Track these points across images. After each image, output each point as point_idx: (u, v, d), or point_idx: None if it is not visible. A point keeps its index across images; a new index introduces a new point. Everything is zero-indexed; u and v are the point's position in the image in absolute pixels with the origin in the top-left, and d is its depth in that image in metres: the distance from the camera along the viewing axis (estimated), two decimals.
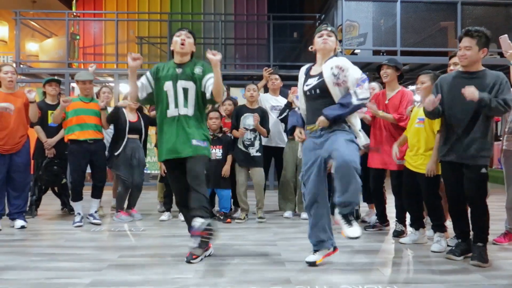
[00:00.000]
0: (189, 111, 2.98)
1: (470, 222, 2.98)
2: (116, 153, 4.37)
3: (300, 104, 2.95)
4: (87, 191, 4.29)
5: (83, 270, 2.74)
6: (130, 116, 4.51)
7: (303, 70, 2.97)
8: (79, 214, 4.21)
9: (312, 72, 2.86)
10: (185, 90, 2.96)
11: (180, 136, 2.95)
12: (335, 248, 2.90)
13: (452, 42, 7.47)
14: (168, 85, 2.97)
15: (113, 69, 7.94)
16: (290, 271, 2.74)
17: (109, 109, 4.70)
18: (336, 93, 2.72)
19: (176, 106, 2.96)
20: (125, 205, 4.55)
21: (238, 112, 4.46)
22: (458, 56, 2.91)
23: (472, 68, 2.88)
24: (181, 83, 2.96)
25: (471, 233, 2.98)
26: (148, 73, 3.08)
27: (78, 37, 8.18)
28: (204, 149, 3.01)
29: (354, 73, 2.69)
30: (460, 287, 2.45)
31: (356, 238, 2.57)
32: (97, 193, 4.38)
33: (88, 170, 4.41)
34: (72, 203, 4.33)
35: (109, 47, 9.69)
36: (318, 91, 2.75)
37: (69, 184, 4.26)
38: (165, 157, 3.02)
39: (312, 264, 2.83)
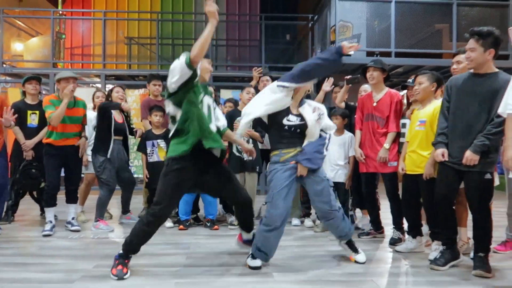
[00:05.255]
0: None
1: (456, 228, 2.89)
2: (107, 157, 4.07)
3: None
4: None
5: (52, 282, 2.51)
6: (117, 116, 4.26)
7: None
8: (50, 222, 3.94)
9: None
10: None
11: None
12: None
13: (446, 44, 7.38)
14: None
15: (100, 70, 7.70)
16: (279, 282, 2.54)
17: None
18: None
19: None
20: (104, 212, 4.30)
21: (232, 116, 4.21)
22: (466, 58, 2.77)
23: (481, 70, 2.72)
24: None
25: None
26: None
27: (63, 36, 7.92)
28: None
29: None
30: None
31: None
32: (72, 198, 4.10)
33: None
34: (45, 209, 4.06)
35: (97, 47, 9.44)
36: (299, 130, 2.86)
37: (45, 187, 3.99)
38: None
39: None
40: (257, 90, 5.01)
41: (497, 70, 2.74)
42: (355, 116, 3.96)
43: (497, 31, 2.67)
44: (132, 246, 2.65)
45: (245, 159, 4.18)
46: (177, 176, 2.60)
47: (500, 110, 2.51)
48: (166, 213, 2.68)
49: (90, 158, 4.27)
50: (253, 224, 3.14)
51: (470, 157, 2.60)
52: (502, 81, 2.63)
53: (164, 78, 4.77)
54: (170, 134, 2.70)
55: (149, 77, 4.82)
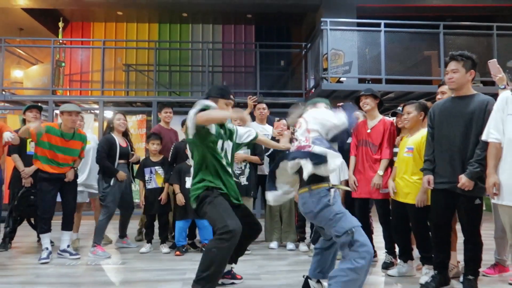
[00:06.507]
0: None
1: (450, 252, 2.94)
2: (111, 184, 4.16)
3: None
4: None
5: None
6: (120, 141, 4.36)
7: None
8: (46, 249, 3.95)
9: None
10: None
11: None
12: None
13: (435, 71, 7.60)
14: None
15: (98, 96, 7.85)
16: None
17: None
18: None
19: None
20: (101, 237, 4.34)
21: None
22: (446, 80, 2.89)
23: (461, 92, 2.86)
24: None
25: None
26: None
27: (63, 64, 8.11)
28: None
29: None
30: None
31: None
32: (68, 224, 4.10)
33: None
34: (40, 236, 4.08)
35: (96, 74, 9.65)
36: None
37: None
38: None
39: None
40: (252, 116, 5.18)
41: (475, 92, 2.87)
42: (349, 142, 4.08)
43: (474, 55, 2.82)
44: None
45: (242, 183, 4.26)
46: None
47: (483, 138, 2.64)
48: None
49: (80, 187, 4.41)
50: (242, 254, 3.14)
51: (466, 183, 2.68)
52: (480, 102, 2.77)
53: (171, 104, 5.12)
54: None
55: (160, 106, 5.04)
